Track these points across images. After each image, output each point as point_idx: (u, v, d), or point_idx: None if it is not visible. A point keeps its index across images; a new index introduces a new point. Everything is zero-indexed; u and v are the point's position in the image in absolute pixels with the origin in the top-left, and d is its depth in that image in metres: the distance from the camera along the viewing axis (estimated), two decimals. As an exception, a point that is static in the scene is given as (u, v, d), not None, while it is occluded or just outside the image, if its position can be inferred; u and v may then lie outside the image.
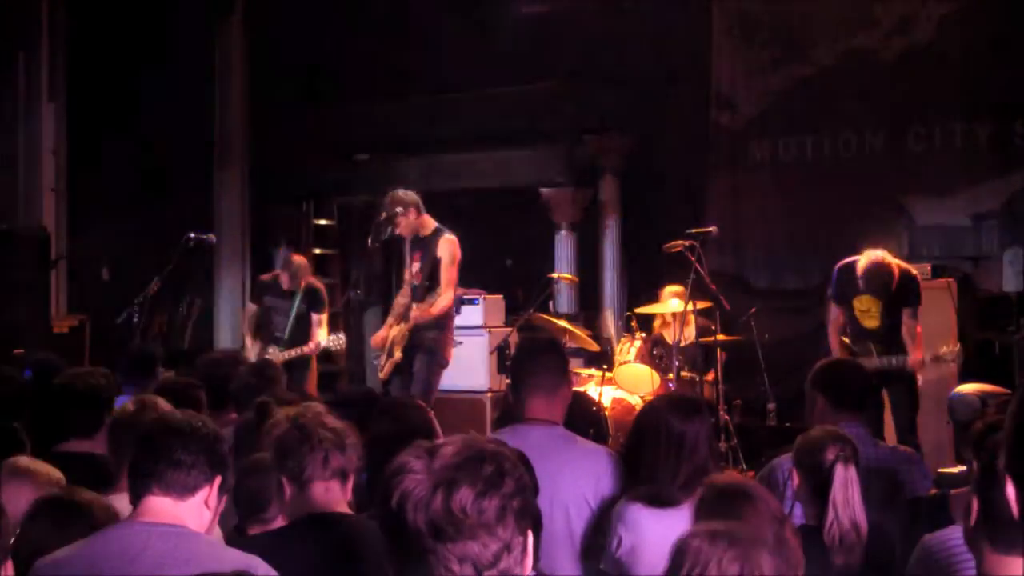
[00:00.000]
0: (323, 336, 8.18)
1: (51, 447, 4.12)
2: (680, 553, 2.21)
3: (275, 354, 7.99)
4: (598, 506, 3.71)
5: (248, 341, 8.45)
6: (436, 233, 7.45)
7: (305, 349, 8.11)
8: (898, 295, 6.96)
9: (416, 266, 7.48)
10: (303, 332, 8.21)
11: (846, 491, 3.28)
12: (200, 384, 4.98)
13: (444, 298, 7.36)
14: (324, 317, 8.31)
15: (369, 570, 2.92)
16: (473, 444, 1.78)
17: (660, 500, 3.51)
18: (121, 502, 3.00)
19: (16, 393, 4.88)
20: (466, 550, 1.71)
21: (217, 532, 3.13)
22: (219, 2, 11.71)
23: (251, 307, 8.59)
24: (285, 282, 8.29)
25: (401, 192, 7.55)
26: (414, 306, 7.40)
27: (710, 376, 8.29)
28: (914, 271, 7.20)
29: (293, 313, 8.21)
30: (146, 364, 5.93)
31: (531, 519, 1.80)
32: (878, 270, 6.87)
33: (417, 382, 7.30)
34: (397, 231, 7.47)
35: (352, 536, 3.00)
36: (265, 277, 8.66)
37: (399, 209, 7.40)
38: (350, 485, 3.13)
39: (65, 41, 10.67)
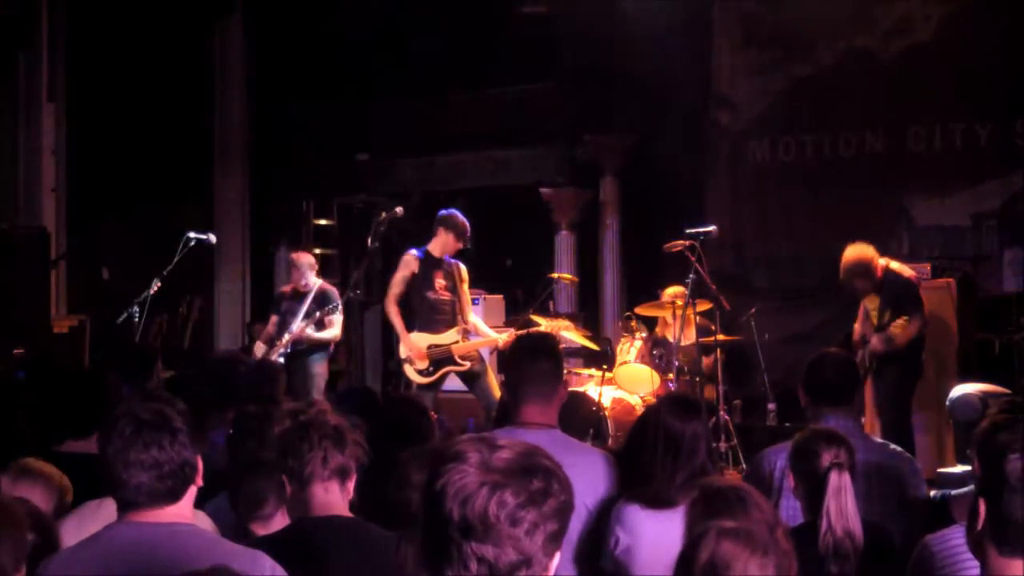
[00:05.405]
0: (328, 332, 8.32)
1: (47, 447, 4.10)
2: (700, 548, 2.21)
3: (278, 346, 8.10)
4: (595, 510, 3.69)
5: (260, 347, 8.51)
6: (450, 259, 7.90)
7: (286, 338, 8.21)
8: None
9: (444, 283, 7.83)
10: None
11: (839, 499, 3.25)
12: (203, 382, 4.96)
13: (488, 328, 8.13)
14: (335, 319, 8.40)
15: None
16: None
17: (657, 501, 3.50)
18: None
19: (10, 393, 4.86)
20: (486, 552, 1.74)
21: (210, 525, 3.13)
22: (219, 2, 11.71)
23: (272, 320, 8.63)
24: (300, 283, 8.45)
25: (460, 217, 7.89)
26: (481, 326, 8.00)
27: (709, 376, 8.29)
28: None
29: (302, 313, 8.25)
30: (144, 363, 5.92)
31: (560, 543, 1.81)
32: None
33: (491, 394, 7.75)
34: (435, 248, 7.84)
35: (343, 544, 2.98)
36: (285, 289, 8.76)
37: (443, 230, 7.80)
38: (351, 484, 3.11)
39: (65, 41, 10.65)
